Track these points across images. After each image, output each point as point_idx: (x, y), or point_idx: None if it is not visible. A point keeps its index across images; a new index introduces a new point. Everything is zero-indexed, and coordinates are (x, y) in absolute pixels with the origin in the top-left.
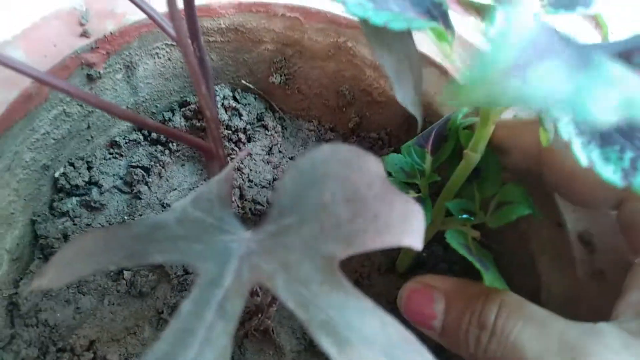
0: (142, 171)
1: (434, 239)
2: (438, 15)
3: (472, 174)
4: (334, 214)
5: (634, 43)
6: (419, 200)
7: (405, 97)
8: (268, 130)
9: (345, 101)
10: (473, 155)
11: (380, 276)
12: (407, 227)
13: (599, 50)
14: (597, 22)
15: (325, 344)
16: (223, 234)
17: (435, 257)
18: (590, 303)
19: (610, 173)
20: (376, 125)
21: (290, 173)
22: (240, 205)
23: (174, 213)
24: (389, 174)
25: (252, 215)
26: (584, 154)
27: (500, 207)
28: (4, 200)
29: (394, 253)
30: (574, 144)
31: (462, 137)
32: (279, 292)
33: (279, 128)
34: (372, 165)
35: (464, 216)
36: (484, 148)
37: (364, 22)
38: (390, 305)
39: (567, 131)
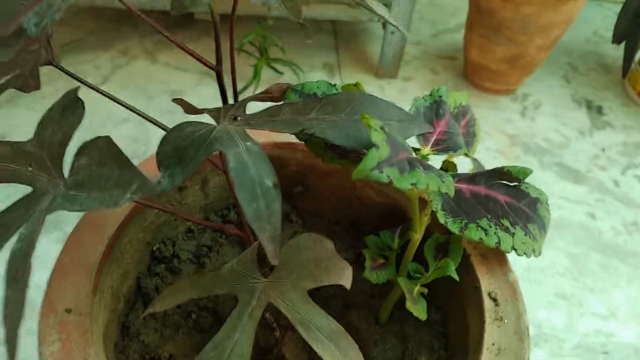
0: (207, 249)
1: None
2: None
3: (440, 251)
4: (306, 268)
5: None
6: (385, 265)
7: None
8: (292, 224)
9: (344, 204)
10: (415, 235)
11: (369, 326)
12: (343, 275)
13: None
14: (468, 156)
15: (300, 329)
16: (251, 278)
17: (405, 314)
18: (492, 336)
19: (455, 229)
20: (366, 220)
21: (287, 246)
22: None
23: (226, 268)
24: (367, 247)
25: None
26: (444, 219)
27: (437, 270)
28: (125, 261)
29: (375, 312)
30: (439, 213)
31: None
32: (279, 306)
33: (300, 222)
34: (327, 244)
35: (417, 275)
36: (423, 230)
37: None
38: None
39: (435, 205)
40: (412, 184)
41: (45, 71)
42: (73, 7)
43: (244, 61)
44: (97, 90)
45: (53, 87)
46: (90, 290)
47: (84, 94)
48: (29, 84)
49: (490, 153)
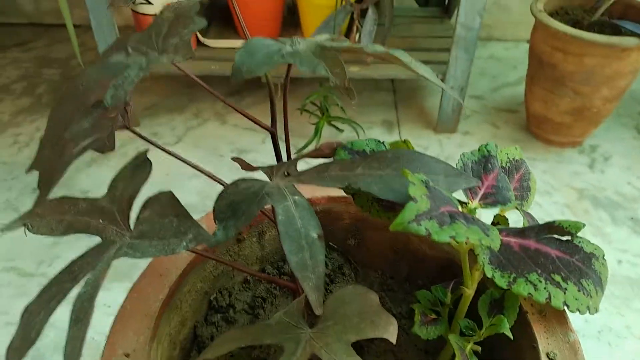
0: (261, 300)
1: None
2: None
3: (495, 307)
4: (350, 320)
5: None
6: (437, 320)
7: None
8: (345, 276)
9: (398, 257)
10: (467, 290)
11: None
12: (389, 329)
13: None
14: (518, 209)
15: None
16: (297, 329)
17: None
18: None
19: (502, 283)
20: (420, 274)
21: (332, 298)
22: None
23: (275, 318)
24: (418, 302)
25: None
26: (491, 273)
27: (490, 327)
28: (184, 310)
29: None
30: (486, 267)
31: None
32: (322, 357)
33: (353, 275)
34: (372, 297)
35: (470, 332)
36: (475, 285)
37: None
38: None
39: (482, 258)
40: (451, 237)
41: (125, 136)
42: (153, 75)
43: (307, 120)
44: (165, 151)
45: (135, 147)
46: (149, 337)
47: (159, 153)
48: (105, 146)
49: (557, 207)
